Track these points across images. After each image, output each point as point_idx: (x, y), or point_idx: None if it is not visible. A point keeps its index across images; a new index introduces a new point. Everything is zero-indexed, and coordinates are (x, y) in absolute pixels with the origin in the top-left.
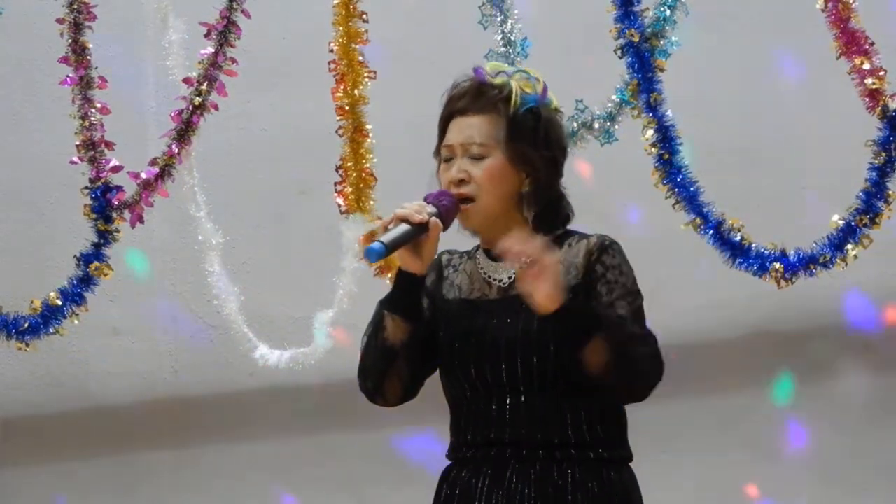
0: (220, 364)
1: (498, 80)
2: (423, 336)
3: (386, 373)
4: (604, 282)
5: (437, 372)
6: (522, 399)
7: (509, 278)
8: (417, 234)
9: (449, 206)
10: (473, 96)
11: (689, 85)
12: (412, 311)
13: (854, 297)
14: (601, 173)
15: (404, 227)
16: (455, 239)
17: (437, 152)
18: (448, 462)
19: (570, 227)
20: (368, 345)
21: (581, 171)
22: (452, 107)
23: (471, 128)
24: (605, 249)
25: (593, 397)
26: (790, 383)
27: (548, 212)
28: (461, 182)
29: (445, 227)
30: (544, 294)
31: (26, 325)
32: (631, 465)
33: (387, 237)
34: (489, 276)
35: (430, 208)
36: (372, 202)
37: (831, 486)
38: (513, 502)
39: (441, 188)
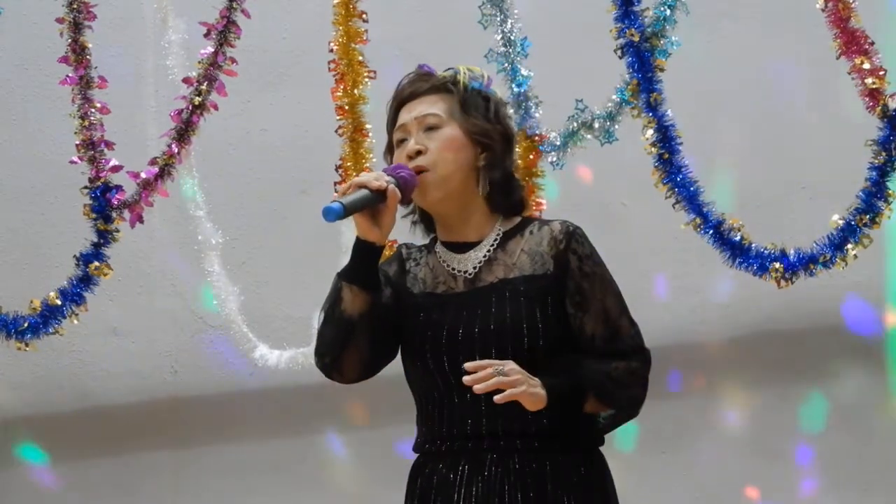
0: (220, 364)
1: (444, 73)
2: (383, 314)
3: (345, 346)
4: (581, 275)
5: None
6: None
7: (474, 268)
8: (376, 201)
9: (407, 178)
10: (420, 82)
11: (689, 84)
12: (370, 281)
13: (854, 298)
14: (601, 173)
15: (363, 192)
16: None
17: (388, 148)
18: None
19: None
20: (326, 318)
21: (581, 172)
22: (400, 95)
23: (423, 104)
24: (572, 237)
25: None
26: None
27: (502, 190)
28: (418, 154)
29: (404, 200)
30: (529, 405)
31: (26, 325)
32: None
33: (345, 199)
34: (453, 269)
35: (388, 177)
36: None
37: (831, 485)
38: (492, 493)
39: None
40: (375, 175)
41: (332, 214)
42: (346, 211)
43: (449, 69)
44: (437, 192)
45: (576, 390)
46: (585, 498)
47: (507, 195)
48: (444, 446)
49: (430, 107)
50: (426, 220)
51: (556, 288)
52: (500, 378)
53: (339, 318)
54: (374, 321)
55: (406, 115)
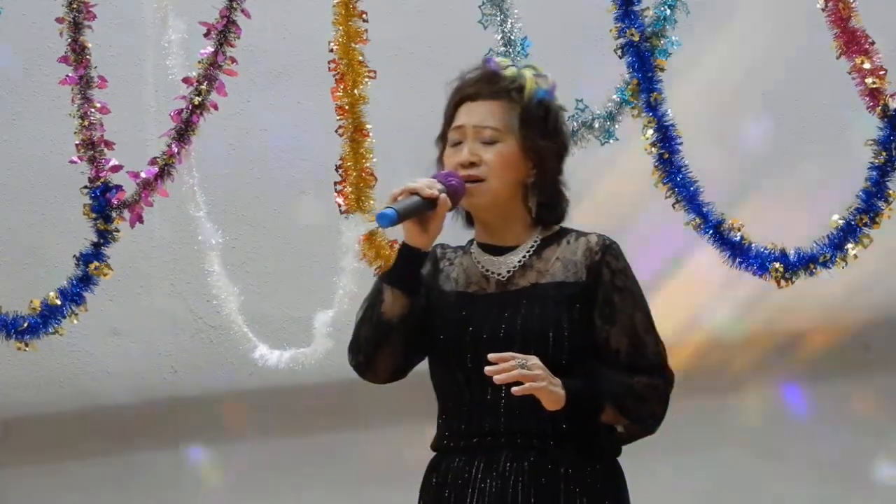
0: (220, 364)
1: (509, 72)
2: (419, 316)
3: (380, 347)
4: (612, 288)
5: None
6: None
7: (508, 272)
8: (426, 208)
9: (457, 187)
10: (486, 83)
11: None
12: (412, 286)
13: (853, 297)
14: (601, 173)
15: (415, 198)
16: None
17: (442, 138)
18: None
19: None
20: (364, 318)
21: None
22: (463, 92)
23: (484, 112)
24: (608, 250)
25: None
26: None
27: (549, 204)
28: (472, 164)
29: (452, 208)
30: (548, 403)
31: (26, 325)
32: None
33: (398, 205)
34: (487, 270)
35: (440, 185)
36: (372, 202)
37: (831, 486)
38: (506, 490)
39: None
40: (428, 182)
41: (385, 220)
42: (400, 217)
43: (515, 69)
44: (484, 202)
45: (595, 397)
46: (600, 500)
47: (552, 209)
48: (461, 443)
49: (491, 117)
50: (469, 215)
51: (585, 297)
52: (522, 371)
53: (378, 319)
54: (410, 326)
55: (465, 118)
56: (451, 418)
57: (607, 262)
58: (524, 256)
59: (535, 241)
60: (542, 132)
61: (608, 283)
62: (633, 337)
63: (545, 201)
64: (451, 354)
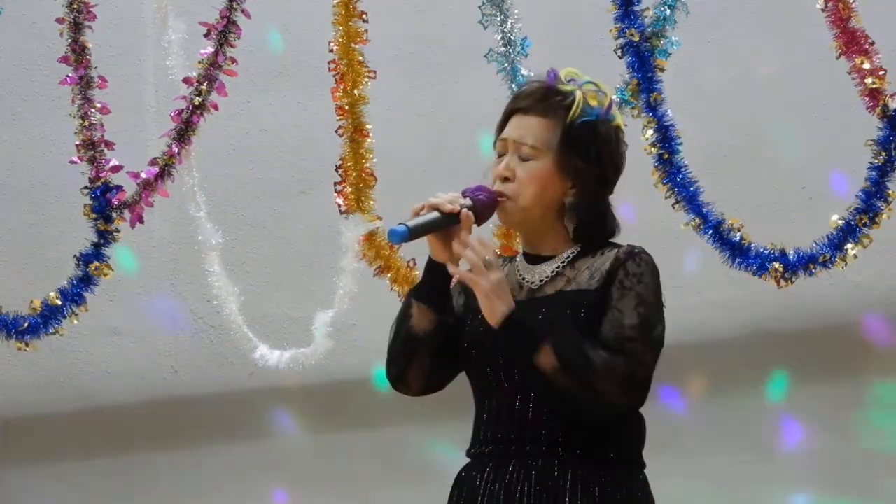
0: (220, 364)
1: (566, 88)
2: (450, 330)
3: (410, 360)
4: (618, 286)
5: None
6: (532, 397)
7: (541, 280)
8: (446, 223)
9: (485, 202)
10: (538, 98)
11: (689, 84)
12: (438, 302)
13: (853, 297)
14: None
15: (434, 214)
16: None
17: (494, 145)
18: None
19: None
20: (396, 333)
21: None
22: (516, 104)
23: (526, 127)
24: (632, 256)
25: None
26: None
27: (589, 225)
28: (506, 179)
29: (480, 222)
30: (486, 311)
31: (26, 325)
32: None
33: (413, 221)
34: (523, 278)
35: (465, 201)
36: (372, 202)
37: (831, 486)
38: (511, 496)
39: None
40: (451, 197)
41: (396, 237)
42: (412, 234)
43: (574, 85)
44: (515, 219)
45: (537, 334)
46: None
47: (594, 229)
48: (477, 451)
49: (531, 134)
50: None
51: (598, 301)
52: (472, 260)
53: (406, 333)
54: (440, 339)
55: (511, 130)
56: (477, 427)
57: (625, 265)
58: (559, 266)
59: (573, 252)
60: (583, 154)
61: (617, 282)
62: (617, 327)
63: (583, 224)
64: (474, 364)
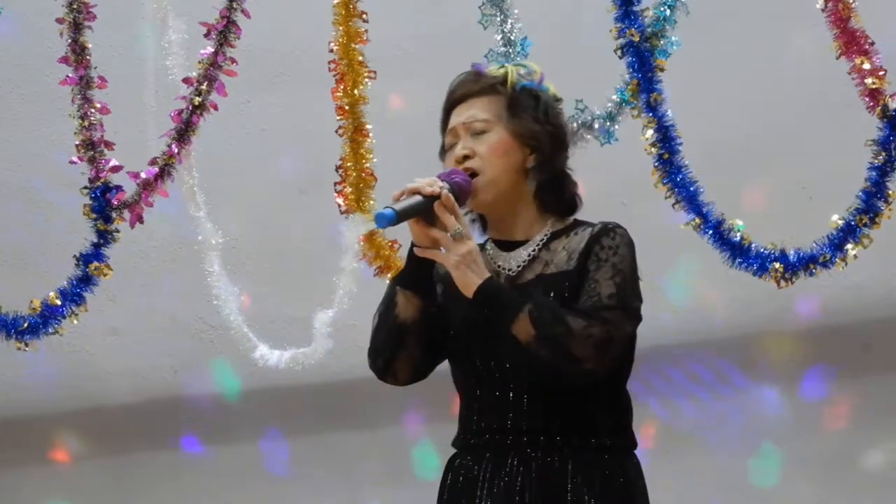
0: (219, 364)
1: (495, 69)
2: (435, 317)
3: (397, 351)
4: (594, 259)
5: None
6: (525, 387)
7: (518, 266)
8: (429, 206)
9: (461, 183)
10: (472, 83)
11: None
12: (424, 288)
13: (853, 297)
14: (601, 173)
15: (416, 198)
16: None
17: (441, 150)
18: (454, 450)
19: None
20: (379, 323)
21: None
22: (452, 97)
23: (471, 108)
24: (607, 232)
25: (597, 387)
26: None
27: (552, 188)
28: (466, 158)
29: (460, 204)
30: (460, 284)
31: (26, 325)
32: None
33: (398, 205)
34: (498, 266)
35: (443, 184)
36: (372, 202)
37: (831, 486)
38: (513, 489)
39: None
40: (429, 181)
41: (383, 220)
42: (399, 217)
43: (500, 66)
44: (488, 196)
45: (514, 299)
46: (608, 499)
47: (557, 194)
48: (472, 441)
49: (478, 111)
50: (483, 219)
51: (577, 280)
52: (446, 240)
53: (392, 322)
54: (427, 326)
55: (455, 119)
56: (466, 416)
57: (600, 240)
58: (534, 250)
59: (546, 235)
60: (533, 117)
61: (593, 255)
62: (594, 297)
63: (547, 184)
64: (462, 352)
